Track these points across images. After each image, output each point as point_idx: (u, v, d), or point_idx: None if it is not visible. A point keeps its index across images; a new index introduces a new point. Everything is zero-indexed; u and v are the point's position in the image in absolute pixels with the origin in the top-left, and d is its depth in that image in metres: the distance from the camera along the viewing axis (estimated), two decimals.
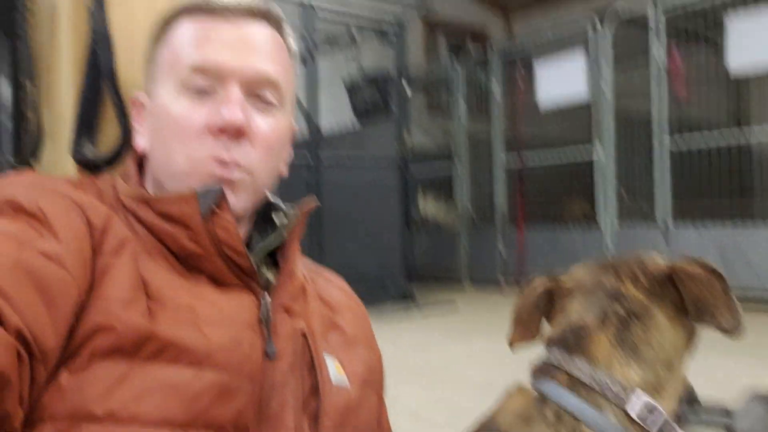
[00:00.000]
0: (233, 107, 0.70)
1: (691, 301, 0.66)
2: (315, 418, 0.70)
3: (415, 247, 5.15)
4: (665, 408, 0.63)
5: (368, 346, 0.85)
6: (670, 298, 0.67)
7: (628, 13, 4.87)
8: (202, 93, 0.71)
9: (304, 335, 0.73)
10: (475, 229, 6.15)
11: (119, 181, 0.75)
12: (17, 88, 0.94)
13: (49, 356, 0.55)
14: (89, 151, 0.87)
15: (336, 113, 5.27)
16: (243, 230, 0.77)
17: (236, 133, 0.71)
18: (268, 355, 0.68)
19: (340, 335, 0.80)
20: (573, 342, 0.66)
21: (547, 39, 5.41)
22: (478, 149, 6.11)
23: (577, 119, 5.32)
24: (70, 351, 0.58)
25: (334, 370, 0.74)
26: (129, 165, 0.78)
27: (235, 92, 0.71)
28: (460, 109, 6.17)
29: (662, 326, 0.66)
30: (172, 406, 0.59)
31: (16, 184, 0.64)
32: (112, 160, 0.87)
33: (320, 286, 0.86)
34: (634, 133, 4.91)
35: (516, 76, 5.71)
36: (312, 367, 0.72)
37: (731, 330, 0.64)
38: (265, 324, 0.69)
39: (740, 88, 5.01)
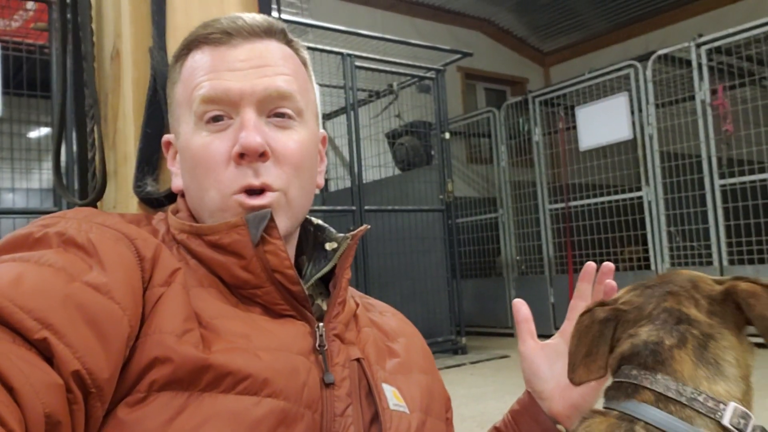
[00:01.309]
0: (249, 131, 0.70)
1: (759, 319, 0.64)
2: None
3: (462, 297, 5.06)
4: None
5: (426, 371, 0.82)
6: (733, 319, 0.66)
7: (669, 52, 4.84)
8: (218, 123, 0.72)
9: (359, 362, 0.72)
10: (523, 277, 6.03)
11: (171, 216, 0.76)
12: (83, 132, 0.98)
13: (105, 391, 0.55)
14: (151, 187, 0.88)
15: (378, 163, 5.34)
16: (291, 252, 0.77)
17: (259, 156, 0.70)
18: (325, 384, 0.66)
19: (396, 361, 0.79)
20: (652, 360, 0.65)
21: (588, 84, 5.40)
22: (522, 196, 6.06)
23: (622, 162, 5.24)
24: (126, 385, 0.57)
25: (392, 398, 0.72)
26: (179, 201, 0.79)
27: (249, 115, 0.71)
28: (502, 156, 6.16)
29: (735, 345, 0.66)
30: None
31: (69, 218, 0.65)
32: (173, 195, 0.88)
33: (374, 313, 0.85)
34: (682, 172, 4.80)
35: (557, 121, 5.70)
36: (369, 394, 0.70)
37: None
38: (320, 352, 0.68)
39: None
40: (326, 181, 5.63)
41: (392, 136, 5.46)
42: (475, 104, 7.75)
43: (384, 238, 4.63)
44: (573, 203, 5.55)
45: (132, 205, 0.93)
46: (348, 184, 4.67)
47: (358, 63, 4.54)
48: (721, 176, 4.51)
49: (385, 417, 0.69)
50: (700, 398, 0.61)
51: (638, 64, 4.99)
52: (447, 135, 4.96)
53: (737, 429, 0.59)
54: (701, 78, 4.59)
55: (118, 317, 0.57)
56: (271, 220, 0.68)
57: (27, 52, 3.53)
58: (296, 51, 0.78)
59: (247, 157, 0.70)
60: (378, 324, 0.82)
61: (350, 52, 4.45)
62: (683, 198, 4.78)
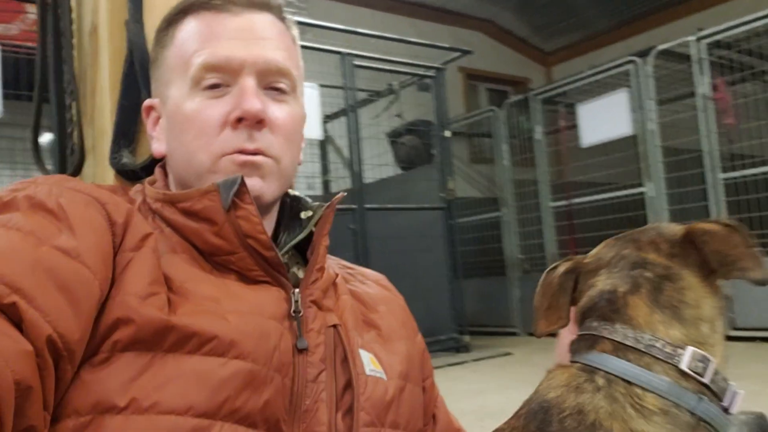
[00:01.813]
0: (250, 97, 0.71)
1: (715, 257, 0.64)
2: (350, 413, 0.67)
3: (465, 296, 5.04)
4: (717, 363, 0.62)
5: (406, 338, 0.82)
6: (694, 259, 0.66)
7: (670, 47, 4.83)
8: (215, 90, 0.72)
9: (336, 328, 0.71)
10: (526, 275, 6.01)
11: (147, 186, 0.76)
12: (61, 108, 0.99)
13: (76, 354, 0.55)
14: (127, 159, 0.89)
15: (379, 162, 5.34)
16: (269, 225, 0.78)
17: (256, 122, 0.71)
18: (298, 349, 0.66)
19: (375, 333, 0.78)
20: (609, 309, 0.65)
21: (589, 81, 5.39)
22: (524, 195, 6.04)
23: (623, 158, 5.22)
24: (91, 347, 0.57)
25: (369, 363, 0.72)
26: (157, 171, 0.80)
27: (249, 83, 0.72)
28: (504, 155, 6.16)
29: (695, 286, 0.65)
30: (195, 393, 0.57)
31: (39, 183, 0.65)
32: (151, 167, 0.89)
33: (354, 283, 0.85)
34: (684, 167, 4.77)
35: (558, 118, 5.69)
36: (345, 361, 0.70)
37: (761, 279, 0.62)
38: (295, 318, 0.68)
39: None
40: (327, 182, 5.64)
41: (393, 136, 5.46)
42: (477, 105, 7.74)
43: (385, 237, 4.62)
44: (575, 200, 5.53)
45: (110, 179, 0.93)
46: (349, 184, 4.67)
47: (356, 62, 4.55)
48: (723, 170, 4.48)
49: (358, 382, 0.69)
50: (658, 344, 0.61)
51: (639, 60, 4.97)
52: (447, 133, 4.95)
53: (695, 372, 0.60)
54: (702, 72, 4.57)
55: (89, 281, 0.57)
56: (243, 184, 0.68)
57: (26, 56, 3.56)
58: (288, 28, 0.79)
59: (245, 121, 0.71)
60: (358, 294, 0.82)
61: (349, 51, 4.46)
62: (685, 193, 4.76)
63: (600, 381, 0.61)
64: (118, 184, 0.89)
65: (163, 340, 0.58)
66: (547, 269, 0.74)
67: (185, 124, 0.72)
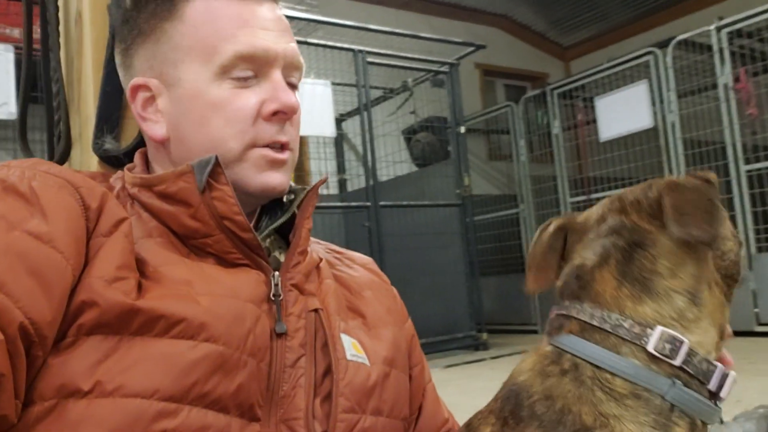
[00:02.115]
0: (287, 92, 0.72)
1: (670, 210, 0.58)
2: (329, 399, 0.65)
3: (482, 294, 4.99)
4: (695, 342, 0.57)
5: (393, 324, 0.80)
6: None
7: (690, 37, 4.73)
8: (244, 80, 0.71)
9: (317, 313, 0.70)
10: None
11: (126, 172, 0.75)
12: (49, 96, 0.98)
13: (48, 340, 0.54)
14: (110, 145, 0.88)
15: (394, 160, 5.32)
16: (256, 211, 0.77)
17: (289, 116, 0.73)
18: (277, 334, 0.65)
19: (360, 319, 0.77)
20: (577, 287, 0.61)
21: (608, 73, 5.31)
22: (543, 191, 5.97)
23: (644, 151, 5.12)
24: (60, 331, 0.56)
25: (351, 348, 0.70)
26: (137, 157, 0.78)
27: (280, 76, 0.72)
28: (521, 151, 6.09)
29: (670, 252, 0.59)
30: (162, 376, 0.56)
31: (13, 167, 0.64)
32: (134, 153, 0.87)
33: (341, 268, 0.83)
34: (706, 159, 4.67)
35: (576, 113, 5.61)
36: (326, 346, 0.68)
37: (702, 239, 0.56)
38: (275, 302, 0.67)
39: None
40: (343, 180, 5.64)
41: (409, 133, 5.44)
42: (494, 102, 7.67)
43: (401, 235, 4.60)
44: (594, 195, 5.44)
45: (96, 166, 0.92)
46: (364, 182, 4.66)
47: (370, 59, 4.53)
48: (747, 162, 4.37)
49: (338, 367, 0.67)
50: (626, 324, 0.57)
51: (658, 51, 4.88)
52: (462, 129, 4.91)
53: (663, 355, 0.55)
54: (723, 62, 4.46)
55: (61, 266, 0.56)
56: (217, 165, 0.66)
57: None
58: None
59: (281, 114, 0.72)
60: (343, 280, 0.80)
61: (362, 48, 4.44)
62: None
63: (566, 364, 0.58)
64: (100, 170, 0.88)
65: (129, 323, 0.57)
66: (541, 226, 0.71)
67: (210, 110, 0.70)
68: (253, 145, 0.71)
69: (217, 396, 0.58)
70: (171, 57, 0.72)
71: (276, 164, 0.72)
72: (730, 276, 0.62)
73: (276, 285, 0.67)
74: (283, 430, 0.62)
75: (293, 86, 0.75)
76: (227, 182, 0.67)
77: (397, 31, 4.84)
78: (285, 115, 0.72)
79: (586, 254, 0.63)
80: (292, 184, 0.81)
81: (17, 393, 0.51)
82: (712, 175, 0.62)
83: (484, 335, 4.87)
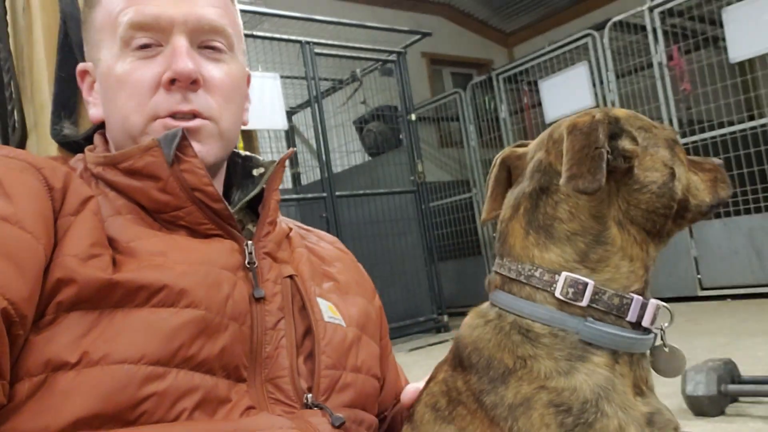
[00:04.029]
0: (182, 57, 0.69)
1: (565, 158, 0.57)
2: (311, 357, 0.68)
3: (441, 277, 5.08)
4: (604, 280, 0.59)
5: (362, 294, 0.83)
6: None
7: (624, 18, 4.91)
8: (146, 50, 0.70)
9: (292, 279, 0.72)
10: None
11: (87, 153, 0.75)
12: (0, 88, 0.98)
13: (28, 319, 0.55)
14: (69, 130, 0.88)
15: (347, 150, 5.34)
16: (218, 185, 0.77)
17: (190, 83, 0.70)
18: (256, 299, 0.67)
19: (332, 284, 0.79)
20: (499, 244, 0.64)
21: (549, 56, 5.46)
22: None
23: None
24: (38, 310, 0.57)
25: (328, 311, 0.73)
26: (96, 138, 0.78)
27: (181, 42, 0.70)
28: (471, 136, 6.20)
29: (570, 195, 0.59)
30: (146, 342, 0.57)
31: None
32: (93, 138, 0.88)
33: (311, 239, 0.86)
34: None
35: (522, 97, 5.75)
36: (303, 309, 0.71)
37: (586, 190, 0.56)
38: (250, 269, 0.68)
39: (746, 81, 4.95)
40: (298, 174, 5.63)
41: (360, 123, 5.47)
42: (442, 90, 7.77)
43: (359, 224, 4.63)
44: None
45: (53, 153, 0.93)
46: (319, 175, 4.67)
47: (318, 50, 4.54)
48: (683, 135, 4.58)
49: (318, 328, 0.70)
50: (537, 273, 0.59)
51: (596, 33, 5.04)
52: (413, 117, 4.97)
53: (570, 299, 0.58)
54: (656, 41, 4.65)
55: (32, 246, 0.56)
56: (184, 138, 0.67)
57: None
58: None
59: (178, 83, 0.69)
60: (314, 250, 0.83)
61: (309, 39, 4.44)
62: None
63: (491, 315, 0.61)
64: (59, 155, 0.89)
65: (108, 297, 0.58)
66: (495, 157, 0.73)
67: (117, 86, 0.70)
68: (155, 117, 0.70)
69: (203, 359, 0.59)
70: (94, 40, 0.74)
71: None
72: (653, 210, 0.61)
73: (250, 254, 0.69)
74: (269, 388, 0.64)
75: (217, 50, 0.73)
76: (195, 154, 0.67)
77: (345, 21, 4.85)
78: (181, 83, 0.69)
79: (504, 209, 0.65)
80: (260, 158, 0.82)
81: (2, 373, 0.52)
82: (601, 113, 0.60)
83: (445, 317, 4.97)
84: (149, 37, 0.70)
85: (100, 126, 0.84)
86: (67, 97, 0.89)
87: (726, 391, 1.95)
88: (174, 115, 0.70)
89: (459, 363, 0.62)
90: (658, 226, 0.62)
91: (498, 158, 0.72)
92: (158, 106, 0.70)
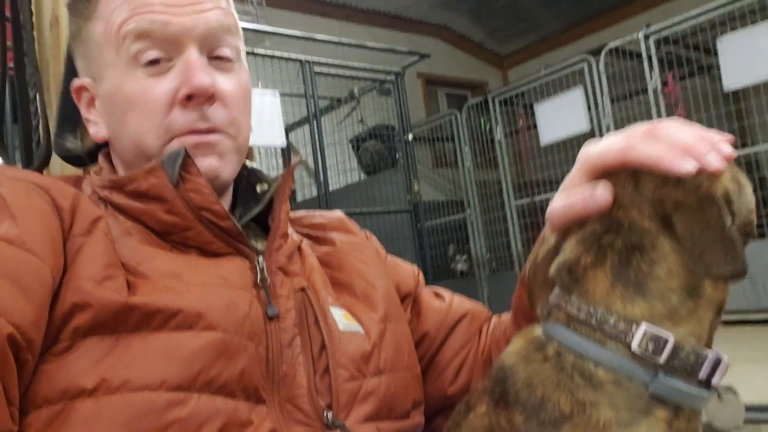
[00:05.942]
0: (198, 71, 0.66)
1: (686, 240, 0.54)
2: (327, 372, 0.67)
3: None
4: (685, 334, 0.56)
5: (379, 276, 0.81)
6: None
7: (620, 45, 4.99)
8: (156, 66, 0.67)
9: (304, 291, 0.70)
10: (494, 274, 6.08)
11: (93, 176, 0.73)
12: (25, 101, 0.97)
13: (36, 343, 0.53)
14: (71, 144, 0.85)
15: (343, 168, 5.35)
16: (226, 201, 0.76)
17: (206, 99, 0.67)
18: (269, 317, 0.65)
19: (347, 290, 0.77)
20: (568, 279, 0.60)
21: (545, 80, 5.52)
22: (489, 195, 6.13)
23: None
24: (50, 336, 0.55)
25: (342, 319, 0.71)
26: (101, 160, 0.76)
27: (194, 55, 0.67)
28: (466, 157, 6.24)
29: (670, 255, 0.56)
30: (167, 367, 0.56)
31: None
32: (97, 153, 0.86)
33: (317, 247, 0.83)
34: None
35: (517, 119, 5.80)
36: (318, 322, 0.69)
37: (732, 277, 0.53)
38: (262, 287, 0.67)
39: (739, 109, 5.04)
40: (293, 191, 5.62)
41: (357, 141, 5.49)
42: (437, 110, 7.84)
43: None
44: (538, 198, 5.63)
45: (75, 170, 0.92)
46: (315, 192, 4.67)
47: (317, 69, 4.56)
48: None
49: (332, 340, 0.68)
50: (611, 320, 0.56)
51: (591, 58, 5.12)
52: (410, 136, 5.00)
53: (647, 354, 0.54)
54: (651, 68, 4.73)
55: (38, 268, 0.54)
56: (188, 156, 0.65)
57: None
58: None
59: (195, 99, 0.66)
60: (324, 260, 0.80)
61: (309, 58, 4.47)
62: None
63: (550, 351, 0.57)
64: (74, 174, 0.88)
65: (125, 321, 0.56)
66: (539, 240, 0.68)
67: (127, 106, 0.67)
68: (172, 137, 0.67)
69: (223, 381, 0.58)
70: (94, 55, 0.70)
71: (201, 147, 0.67)
72: (745, 234, 0.58)
73: (261, 270, 0.67)
74: (288, 409, 0.62)
75: (227, 59, 0.70)
76: (199, 173, 0.65)
77: (344, 40, 4.89)
78: (198, 99, 0.66)
79: (580, 251, 0.60)
80: (263, 173, 0.80)
81: (11, 400, 0.50)
82: (710, 188, 0.56)
83: None
84: (158, 50, 0.67)
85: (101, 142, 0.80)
86: (72, 111, 0.88)
87: None
88: (192, 133, 0.68)
89: (502, 396, 0.58)
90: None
91: (550, 239, 0.67)
92: (175, 125, 0.67)
